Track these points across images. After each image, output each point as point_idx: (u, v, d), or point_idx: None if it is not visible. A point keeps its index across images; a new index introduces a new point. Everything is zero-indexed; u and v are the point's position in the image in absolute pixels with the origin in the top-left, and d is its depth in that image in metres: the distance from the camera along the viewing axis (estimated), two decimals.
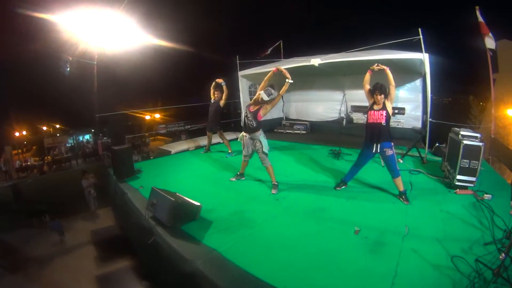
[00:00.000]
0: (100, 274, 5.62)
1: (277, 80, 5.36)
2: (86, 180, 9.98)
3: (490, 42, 6.09)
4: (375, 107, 4.48)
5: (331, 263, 3.02)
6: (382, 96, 4.37)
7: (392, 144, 4.50)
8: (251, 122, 4.99)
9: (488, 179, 4.90)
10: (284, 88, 4.93)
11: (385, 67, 4.48)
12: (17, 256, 6.44)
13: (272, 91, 4.86)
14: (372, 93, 4.48)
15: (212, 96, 7.31)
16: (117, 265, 5.79)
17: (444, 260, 2.90)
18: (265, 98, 4.84)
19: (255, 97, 5.06)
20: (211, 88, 7.29)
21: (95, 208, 9.76)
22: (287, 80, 4.88)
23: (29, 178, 16.97)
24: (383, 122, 4.39)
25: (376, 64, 4.56)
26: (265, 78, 5.04)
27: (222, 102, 7.30)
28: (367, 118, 4.60)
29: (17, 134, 26.04)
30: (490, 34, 6.07)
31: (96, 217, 9.14)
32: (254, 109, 4.98)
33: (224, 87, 7.18)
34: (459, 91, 21.02)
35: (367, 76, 4.66)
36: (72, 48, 7.54)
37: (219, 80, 7.14)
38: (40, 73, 19.10)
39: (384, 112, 4.39)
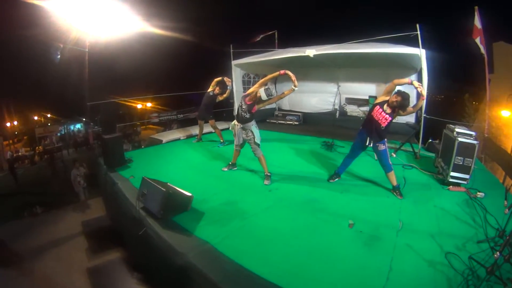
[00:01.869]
0: (91, 266, 5.53)
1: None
2: (76, 169, 9.84)
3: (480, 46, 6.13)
4: (385, 108, 4.33)
5: (325, 257, 2.99)
6: (397, 104, 4.19)
7: (385, 140, 4.48)
8: (245, 114, 4.94)
9: (481, 177, 4.92)
10: (287, 92, 4.88)
11: (423, 95, 4.31)
12: (9, 250, 6.28)
13: (273, 91, 4.82)
14: (393, 93, 4.30)
15: (210, 88, 7.21)
16: (108, 257, 5.70)
17: (438, 256, 2.90)
18: (264, 97, 4.83)
19: (252, 90, 4.88)
20: (215, 80, 7.18)
21: (86, 198, 9.61)
22: (293, 86, 4.71)
23: (21, 168, 16.77)
24: (383, 126, 4.33)
25: (419, 85, 4.19)
26: (268, 76, 4.77)
27: (220, 99, 7.30)
28: (371, 109, 4.52)
29: (8, 124, 25.45)
30: (478, 40, 6.09)
31: (87, 208, 8.98)
32: (250, 103, 4.93)
33: (228, 91, 7.22)
34: (451, 89, 21.12)
35: (404, 81, 4.30)
36: (64, 35, 7.31)
37: (228, 82, 7.10)
38: (30, 61, 18.69)
39: (390, 118, 4.30)
